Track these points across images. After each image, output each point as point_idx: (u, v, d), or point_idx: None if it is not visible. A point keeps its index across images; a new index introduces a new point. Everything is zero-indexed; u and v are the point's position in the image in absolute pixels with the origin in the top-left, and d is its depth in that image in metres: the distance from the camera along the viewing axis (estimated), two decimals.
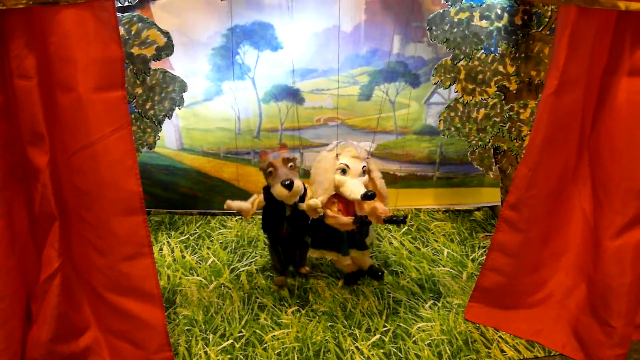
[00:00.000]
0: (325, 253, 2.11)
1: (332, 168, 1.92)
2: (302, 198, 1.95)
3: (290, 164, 1.92)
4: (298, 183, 1.86)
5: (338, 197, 1.95)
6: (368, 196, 1.83)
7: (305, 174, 2.77)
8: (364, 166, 1.92)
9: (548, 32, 2.15)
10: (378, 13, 2.44)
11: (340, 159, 1.91)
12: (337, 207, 1.96)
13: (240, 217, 2.75)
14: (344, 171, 1.90)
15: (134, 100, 2.30)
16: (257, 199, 2.02)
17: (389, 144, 2.73)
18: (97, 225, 1.54)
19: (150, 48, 2.22)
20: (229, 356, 1.81)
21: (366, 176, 1.95)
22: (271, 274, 2.28)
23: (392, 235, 2.62)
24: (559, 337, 1.86)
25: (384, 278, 2.22)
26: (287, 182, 1.82)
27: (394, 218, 1.91)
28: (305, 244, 2.16)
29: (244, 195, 2.31)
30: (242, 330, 1.94)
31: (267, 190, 1.97)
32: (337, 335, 1.92)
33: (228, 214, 2.79)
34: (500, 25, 2.19)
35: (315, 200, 1.88)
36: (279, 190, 1.85)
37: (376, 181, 1.99)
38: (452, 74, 2.30)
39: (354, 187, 1.87)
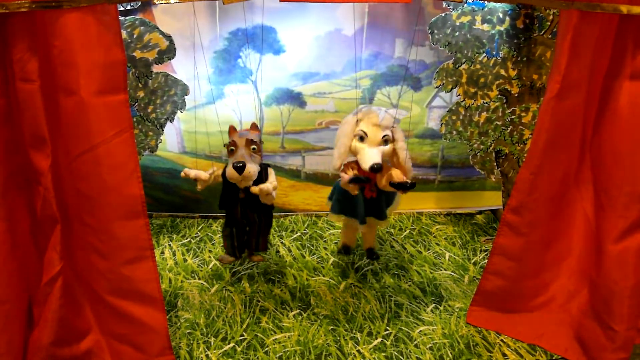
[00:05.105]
0: (343, 218, 2.04)
1: (350, 134, 1.86)
2: (258, 182, 1.86)
3: (253, 146, 1.83)
4: (251, 168, 1.77)
5: (357, 163, 1.89)
6: (374, 169, 1.78)
7: (307, 177, 2.77)
8: (385, 135, 1.84)
9: (550, 36, 2.15)
10: (380, 17, 2.44)
11: (360, 125, 1.85)
12: (355, 173, 1.90)
13: None
14: (361, 138, 1.84)
15: (136, 104, 2.30)
16: (216, 172, 1.94)
17: None
18: (99, 228, 1.54)
19: (152, 51, 2.23)
20: None
21: (389, 146, 1.86)
22: (273, 278, 2.27)
23: (393, 238, 2.62)
24: (561, 341, 1.86)
25: (379, 259, 2.27)
26: (238, 165, 1.74)
27: (403, 183, 1.85)
28: (264, 230, 2.04)
29: None
30: (244, 333, 1.94)
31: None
32: (338, 338, 1.91)
33: None
34: (502, 29, 2.20)
35: (267, 185, 1.80)
36: (229, 172, 1.78)
37: (399, 152, 1.88)
38: (454, 78, 2.30)
39: (367, 157, 1.80)
